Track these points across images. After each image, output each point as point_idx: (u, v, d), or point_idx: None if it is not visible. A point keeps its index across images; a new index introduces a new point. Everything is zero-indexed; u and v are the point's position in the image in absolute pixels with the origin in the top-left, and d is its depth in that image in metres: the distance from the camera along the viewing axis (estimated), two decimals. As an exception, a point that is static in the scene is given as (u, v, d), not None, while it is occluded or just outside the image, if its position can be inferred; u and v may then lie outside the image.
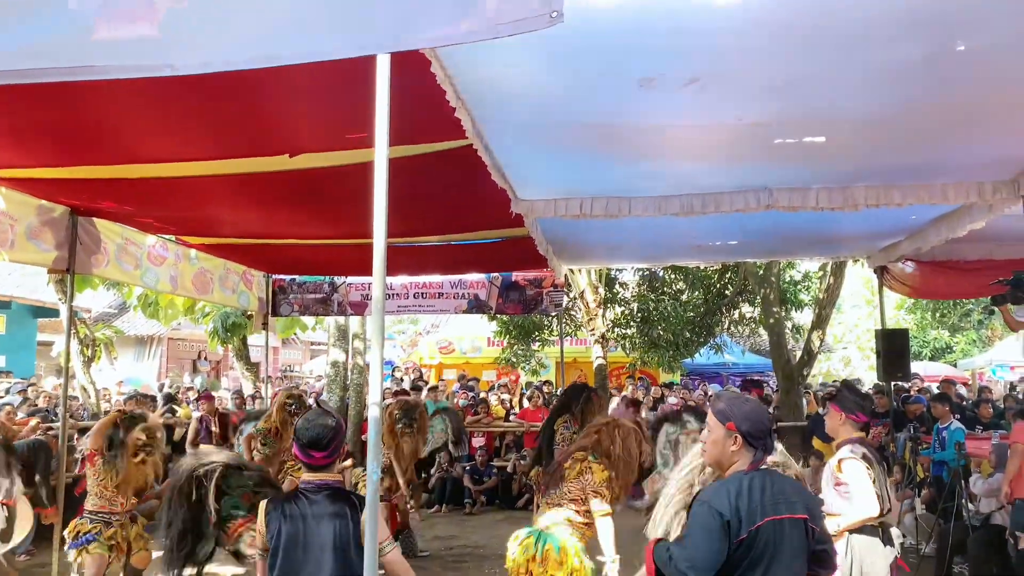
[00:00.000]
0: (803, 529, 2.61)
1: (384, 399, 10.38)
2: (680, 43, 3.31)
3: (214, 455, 3.91)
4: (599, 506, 4.45)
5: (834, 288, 13.13)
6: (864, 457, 3.99)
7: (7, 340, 19.26)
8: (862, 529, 3.96)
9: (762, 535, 2.52)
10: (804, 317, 17.14)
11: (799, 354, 13.76)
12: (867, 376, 20.25)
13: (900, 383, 11.00)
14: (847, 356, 28.29)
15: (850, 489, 3.94)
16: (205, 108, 4.02)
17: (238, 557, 3.88)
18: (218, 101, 3.90)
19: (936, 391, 10.07)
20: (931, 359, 25.49)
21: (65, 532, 5.36)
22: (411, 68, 3.13)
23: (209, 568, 4.11)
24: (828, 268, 13.09)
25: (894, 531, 4.11)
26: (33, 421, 8.29)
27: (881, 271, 9.34)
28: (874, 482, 3.94)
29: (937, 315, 25.83)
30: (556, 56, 3.47)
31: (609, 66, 3.57)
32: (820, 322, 13.27)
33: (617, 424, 4.74)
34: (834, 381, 18.52)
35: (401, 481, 7.24)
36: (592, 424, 4.91)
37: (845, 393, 4.34)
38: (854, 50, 3.40)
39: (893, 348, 9.05)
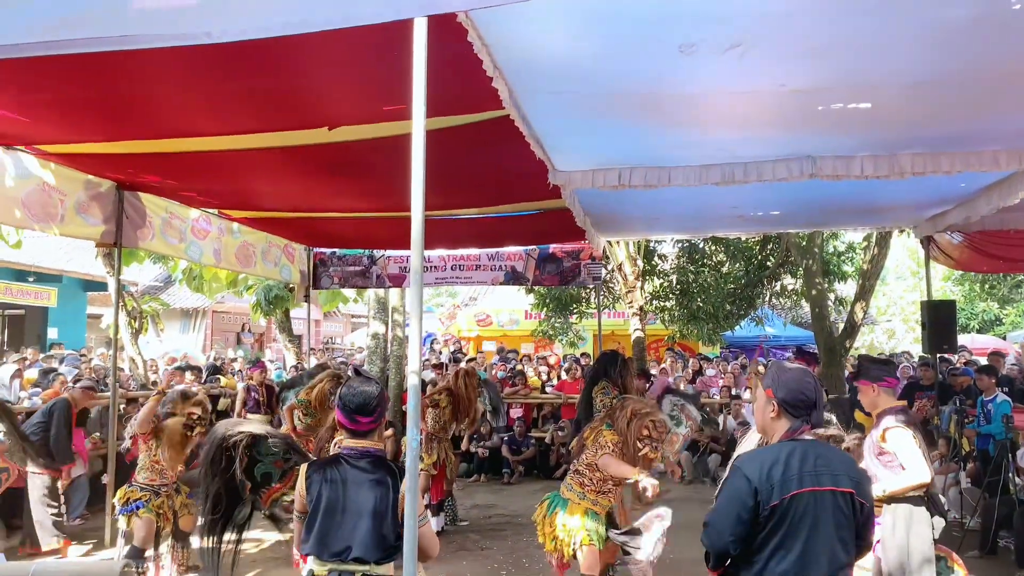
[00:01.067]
0: (849, 502, 2.57)
1: (423, 370, 10.47)
2: (721, 7, 3.24)
3: (241, 425, 3.99)
4: (601, 452, 4.69)
5: (878, 259, 12.86)
6: (906, 423, 3.93)
7: (59, 313, 19.81)
8: (906, 498, 3.91)
9: (799, 504, 2.50)
10: (847, 289, 16.83)
11: (842, 326, 13.55)
12: (913, 349, 19.87)
13: (946, 356, 10.77)
14: (891, 329, 27.78)
15: (899, 457, 3.88)
16: (246, 82, 4.06)
17: (274, 520, 3.99)
18: (258, 75, 3.93)
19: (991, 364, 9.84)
20: (979, 331, 24.93)
21: (115, 499, 5.55)
22: (448, 37, 3.11)
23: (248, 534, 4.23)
24: (873, 239, 12.81)
25: (938, 500, 4.05)
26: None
27: (928, 242, 9.11)
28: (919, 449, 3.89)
29: (986, 286, 25.18)
30: (594, 23, 3.42)
31: (648, 32, 3.51)
32: (864, 294, 13.01)
33: (633, 408, 4.81)
34: (879, 354, 18.21)
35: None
36: (610, 408, 5.08)
37: (867, 365, 4.31)
38: (902, 10, 3.30)
39: (939, 320, 8.86)
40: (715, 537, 2.56)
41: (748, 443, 3.58)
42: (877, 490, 3.80)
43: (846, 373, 12.51)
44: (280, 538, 5.79)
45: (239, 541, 3.90)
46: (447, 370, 11.57)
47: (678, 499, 8.48)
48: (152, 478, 5.44)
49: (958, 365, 11.76)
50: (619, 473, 4.61)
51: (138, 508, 5.32)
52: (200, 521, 4.15)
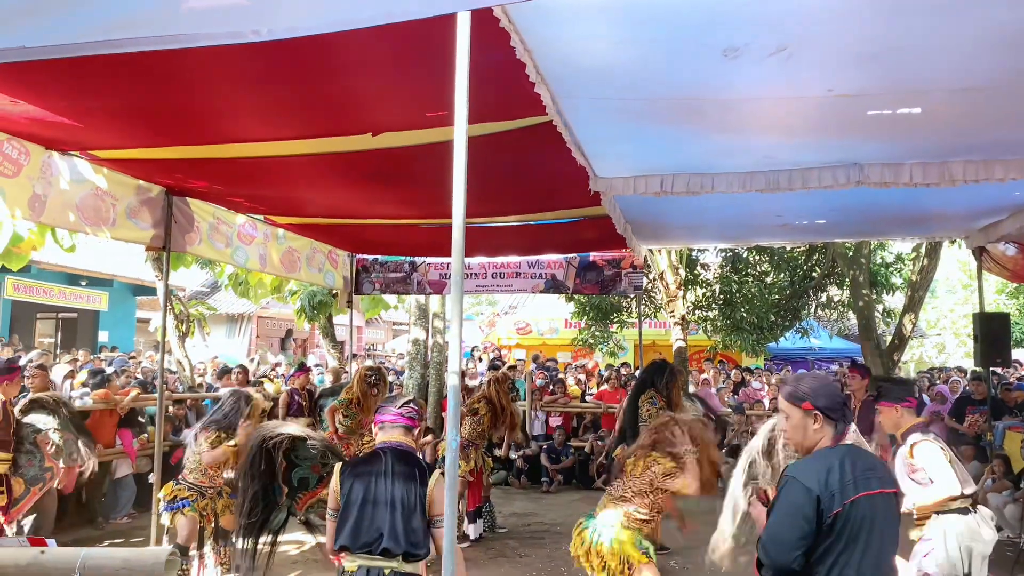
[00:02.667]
0: (894, 502, 2.59)
1: (464, 377, 10.47)
2: (767, 9, 3.20)
3: (281, 427, 4.00)
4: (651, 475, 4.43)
5: (928, 270, 12.57)
6: (935, 437, 3.87)
7: (109, 317, 20.32)
8: (954, 511, 3.82)
9: (858, 509, 2.47)
10: (895, 301, 16.48)
11: (890, 339, 13.25)
12: (964, 363, 19.34)
13: (998, 370, 10.47)
14: (941, 343, 27.11)
15: (928, 471, 3.81)
16: (291, 88, 4.13)
17: (309, 527, 3.98)
18: (303, 81, 4.00)
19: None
20: (1034, 346, 24.13)
21: (160, 494, 5.65)
22: (491, 41, 3.13)
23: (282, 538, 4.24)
24: (922, 249, 12.53)
25: (986, 511, 3.94)
26: (133, 392, 8.74)
27: (980, 252, 8.87)
28: (950, 462, 3.81)
29: (1041, 300, 24.41)
30: (636, 26, 3.41)
31: (692, 36, 3.49)
32: (912, 305, 12.72)
33: (675, 420, 4.67)
34: (926, 370, 17.79)
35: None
36: (650, 428, 4.84)
37: (887, 387, 4.28)
38: (954, 11, 3.22)
39: (992, 332, 8.61)
40: (778, 553, 2.50)
41: (756, 442, 3.46)
42: (908, 504, 3.76)
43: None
44: (321, 539, 5.85)
45: (275, 544, 3.91)
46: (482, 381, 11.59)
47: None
48: (201, 480, 5.52)
49: (1011, 380, 11.42)
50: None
51: (184, 506, 5.41)
52: (238, 524, 4.13)
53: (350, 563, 2.96)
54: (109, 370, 10.10)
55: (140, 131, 5.00)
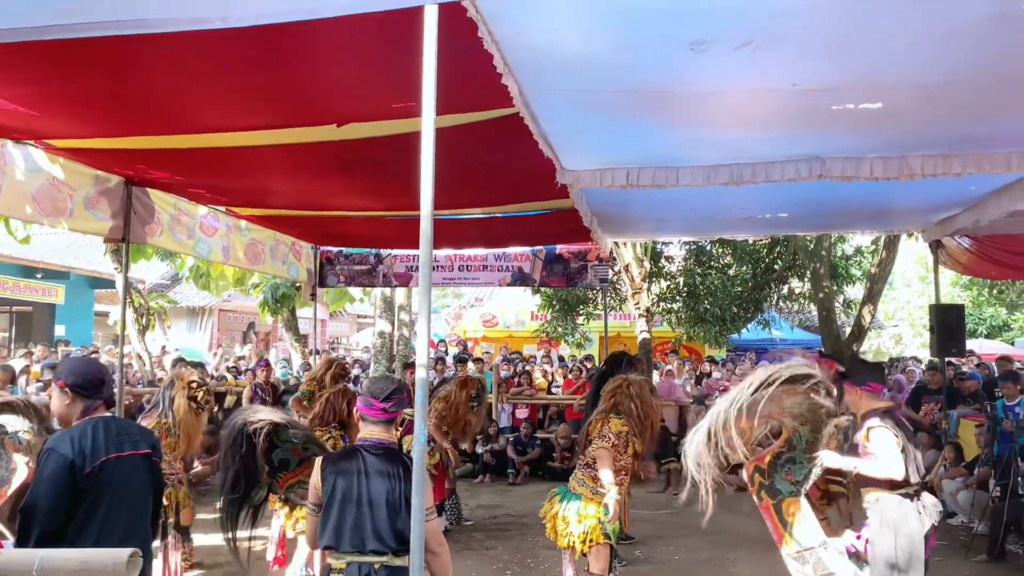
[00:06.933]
0: (148, 463, 3.14)
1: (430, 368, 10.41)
2: (734, 2, 3.22)
3: (263, 412, 4.08)
4: (600, 443, 4.68)
5: (886, 263, 12.83)
6: (892, 424, 3.95)
7: (66, 310, 19.87)
8: (895, 495, 3.91)
9: (106, 470, 2.91)
10: (855, 292, 16.80)
11: (849, 330, 13.51)
12: (920, 354, 19.79)
13: (953, 360, 10.72)
14: (898, 334, 27.71)
15: (878, 456, 3.90)
16: (255, 77, 4.06)
17: (289, 504, 4.09)
18: (268, 70, 3.93)
19: (999, 369, 9.80)
20: (987, 337, 24.80)
21: None
22: (458, 32, 3.10)
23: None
24: (881, 242, 12.78)
25: (930, 499, 4.03)
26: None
27: (936, 246, 9.08)
28: (903, 450, 3.89)
29: (994, 292, 25.03)
30: (604, 18, 3.41)
31: (659, 29, 3.50)
32: (871, 297, 12.99)
33: (628, 381, 4.93)
34: (885, 360, 18.18)
35: (452, 453, 7.58)
36: (606, 391, 5.05)
37: (856, 367, 4.36)
38: (916, 8, 3.27)
39: (947, 323, 8.83)
40: (45, 518, 2.78)
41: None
42: (848, 464, 3.91)
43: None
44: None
45: (255, 522, 4.05)
46: (447, 367, 11.55)
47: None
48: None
49: (965, 369, 11.70)
50: (602, 471, 4.58)
51: None
52: (218, 503, 4.32)
53: (337, 560, 2.92)
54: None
55: (98, 120, 4.88)
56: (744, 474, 3.89)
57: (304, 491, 3.63)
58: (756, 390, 3.74)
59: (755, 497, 3.90)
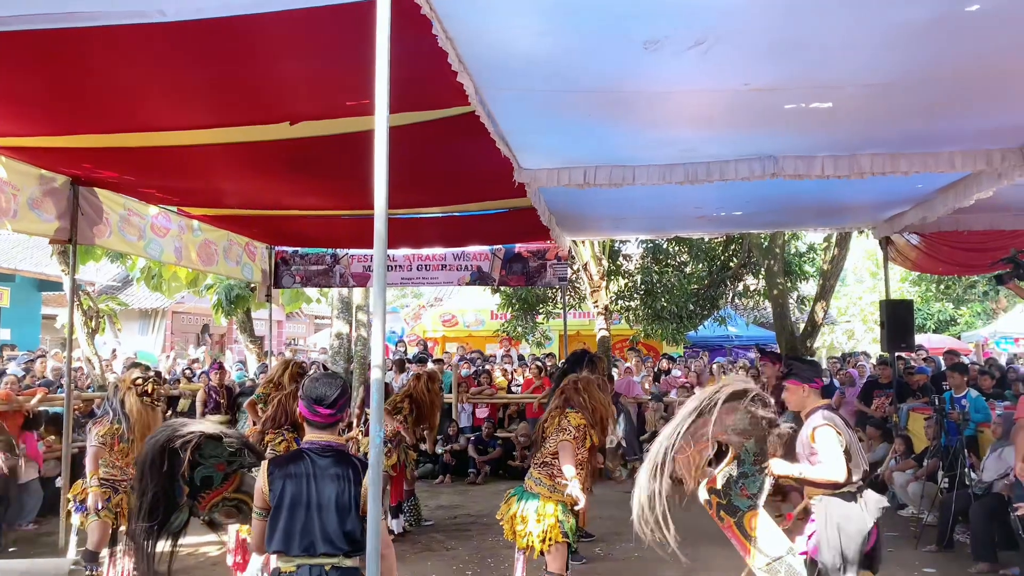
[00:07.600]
0: None
1: (388, 369, 10.35)
2: (685, 2, 3.25)
3: (191, 425, 3.75)
4: (561, 436, 4.70)
5: (838, 259, 13.09)
6: (834, 423, 4.01)
7: (11, 313, 19.29)
8: (838, 495, 3.98)
9: None
10: (809, 289, 17.11)
11: (803, 326, 13.76)
12: (871, 349, 20.23)
13: (902, 355, 10.98)
14: (850, 329, 28.27)
15: (821, 456, 3.96)
16: (205, 73, 3.98)
17: (213, 527, 3.76)
18: (218, 65, 3.85)
19: (946, 363, 10.06)
20: (935, 331, 25.43)
21: (70, 493, 5.37)
22: (412, 28, 3.08)
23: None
24: (833, 240, 13.03)
25: (872, 496, 4.10)
26: (40, 394, 8.32)
27: (886, 242, 9.29)
28: (846, 450, 3.96)
29: (941, 287, 25.73)
30: (558, 16, 3.41)
31: (613, 28, 3.51)
32: (824, 294, 13.24)
33: (578, 378, 4.99)
34: (837, 356, 18.53)
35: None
36: (558, 389, 5.10)
37: (798, 365, 4.41)
38: (862, 9, 3.34)
39: (897, 319, 9.04)
40: None
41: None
42: (794, 470, 3.93)
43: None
44: (226, 538, 5.63)
45: (174, 548, 3.67)
46: (407, 369, 11.48)
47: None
48: (112, 473, 5.25)
49: (913, 364, 11.99)
50: (565, 465, 4.59)
51: (97, 509, 5.15)
52: (134, 528, 3.79)
53: (286, 564, 2.86)
54: (11, 370, 9.59)
55: (39, 118, 4.74)
56: (700, 496, 3.91)
57: (229, 510, 3.50)
58: (696, 416, 3.77)
59: (716, 519, 3.92)
